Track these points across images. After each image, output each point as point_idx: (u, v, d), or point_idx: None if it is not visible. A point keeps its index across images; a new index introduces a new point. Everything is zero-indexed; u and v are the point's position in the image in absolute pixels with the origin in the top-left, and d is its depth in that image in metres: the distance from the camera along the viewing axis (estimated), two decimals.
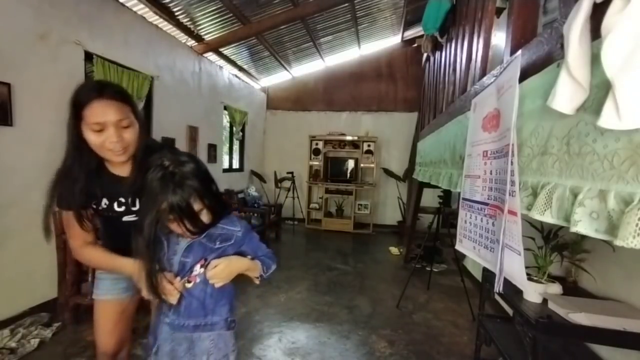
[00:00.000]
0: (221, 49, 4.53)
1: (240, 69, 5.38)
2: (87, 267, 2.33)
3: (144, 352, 1.17)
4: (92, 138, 1.00)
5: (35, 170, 2.30)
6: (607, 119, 0.52)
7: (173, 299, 0.96)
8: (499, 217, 0.91)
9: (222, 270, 0.98)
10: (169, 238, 1.00)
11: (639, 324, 1.19)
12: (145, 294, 0.96)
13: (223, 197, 1.06)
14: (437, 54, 2.84)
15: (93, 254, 1.14)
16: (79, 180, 1.03)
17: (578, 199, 0.62)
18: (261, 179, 6.03)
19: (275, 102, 6.49)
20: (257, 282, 1.09)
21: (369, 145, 5.85)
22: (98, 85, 1.02)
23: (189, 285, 0.98)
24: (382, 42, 5.85)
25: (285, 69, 5.89)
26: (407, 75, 5.92)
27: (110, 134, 0.99)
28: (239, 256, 1.04)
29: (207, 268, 0.98)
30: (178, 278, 0.98)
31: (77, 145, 1.03)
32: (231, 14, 3.81)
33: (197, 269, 0.99)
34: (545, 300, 1.41)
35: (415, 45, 5.57)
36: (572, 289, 1.57)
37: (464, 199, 1.27)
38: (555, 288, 1.47)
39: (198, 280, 0.99)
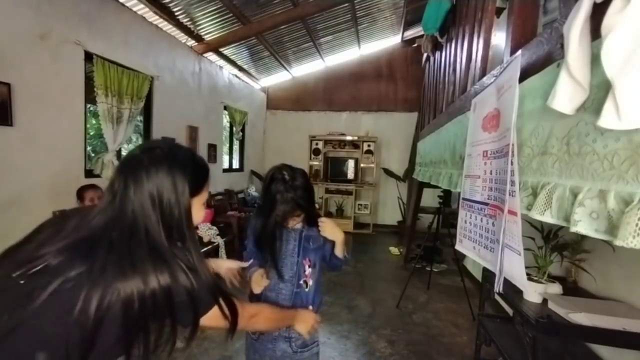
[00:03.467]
0: (221, 49, 4.53)
1: (240, 69, 5.38)
2: None
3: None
4: None
5: (35, 170, 2.30)
6: (607, 119, 0.52)
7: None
8: (499, 217, 0.91)
9: (330, 223, 1.11)
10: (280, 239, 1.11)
11: (639, 324, 1.19)
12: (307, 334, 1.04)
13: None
14: (437, 54, 2.84)
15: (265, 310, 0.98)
16: None
17: (578, 199, 0.62)
18: (261, 179, 6.02)
19: (275, 102, 6.49)
20: (341, 257, 1.16)
21: (369, 145, 5.85)
22: None
23: (307, 290, 1.12)
24: (382, 42, 5.85)
25: (285, 69, 5.89)
26: (407, 75, 5.92)
27: None
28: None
29: (320, 225, 1.10)
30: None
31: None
32: (231, 14, 3.81)
33: (307, 269, 1.11)
34: (545, 300, 1.41)
35: (415, 45, 5.57)
36: (572, 289, 1.57)
37: (464, 199, 1.27)
38: (555, 288, 1.47)
39: (311, 282, 1.12)
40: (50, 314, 0.56)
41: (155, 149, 0.70)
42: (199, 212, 0.76)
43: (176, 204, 0.68)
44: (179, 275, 0.64)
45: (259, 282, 1.06)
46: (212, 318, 0.70)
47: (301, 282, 1.11)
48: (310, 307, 1.12)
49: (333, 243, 1.14)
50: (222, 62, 4.91)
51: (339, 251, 1.14)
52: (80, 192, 2.44)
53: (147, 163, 0.67)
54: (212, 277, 0.70)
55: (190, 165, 0.72)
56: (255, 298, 1.11)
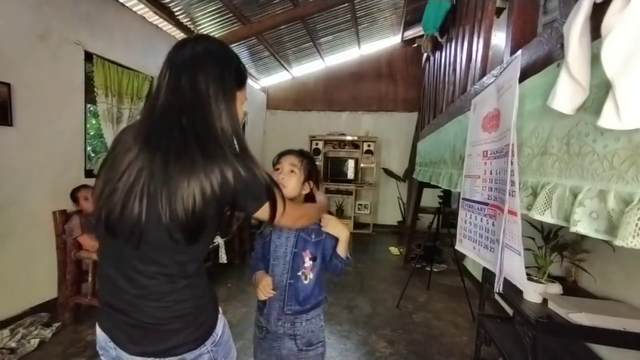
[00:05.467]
0: None
1: None
2: (87, 267, 2.34)
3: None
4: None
5: (35, 170, 2.30)
6: (607, 119, 0.52)
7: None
8: (499, 217, 0.91)
9: (334, 219, 1.11)
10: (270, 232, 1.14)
11: (639, 324, 1.19)
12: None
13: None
14: (437, 54, 2.84)
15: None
16: None
17: (578, 199, 0.62)
18: None
19: (275, 102, 6.49)
20: (343, 256, 1.15)
21: (369, 145, 5.84)
22: None
23: (306, 282, 1.11)
24: (382, 42, 5.85)
25: (285, 69, 5.89)
26: (407, 75, 5.92)
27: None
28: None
29: (322, 220, 1.10)
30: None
31: None
32: (231, 14, 3.81)
33: (307, 262, 1.10)
34: (545, 300, 1.41)
35: (415, 45, 5.57)
36: (572, 289, 1.57)
37: (464, 199, 1.27)
38: (555, 288, 1.47)
39: (311, 275, 1.11)
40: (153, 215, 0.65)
41: (202, 41, 0.75)
42: (240, 110, 0.80)
43: (224, 95, 0.72)
44: (239, 169, 0.69)
45: (265, 290, 1.05)
46: (263, 211, 0.77)
47: (299, 273, 1.10)
48: (308, 306, 1.13)
49: (336, 241, 1.13)
50: None
51: (341, 249, 1.12)
52: (74, 194, 2.45)
53: (198, 54, 0.71)
54: (265, 174, 0.76)
55: (236, 59, 0.78)
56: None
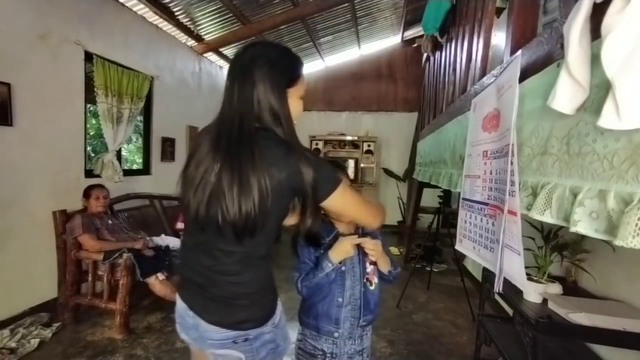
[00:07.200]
0: (221, 49, 4.53)
1: None
2: (87, 267, 2.34)
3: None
4: None
5: (35, 170, 2.30)
6: (607, 119, 0.52)
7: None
8: (499, 217, 0.91)
9: (379, 245, 1.04)
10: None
11: (639, 324, 1.19)
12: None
13: None
14: (437, 54, 2.84)
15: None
16: None
17: (578, 199, 0.62)
18: None
19: None
20: (385, 272, 1.11)
21: (369, 145, 5.84)
22: None
23: (372, 288, 1.08)
24: (382, 42, 5.84)
25: None
26: (407, 75, 5.91)
27: None
28: None
29: (366, 244, 1.03)
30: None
31: None
32: (231, 14, 3.81)
33: (369, 266, 1.07)
34: (545, 300, 1.41)
35: (415, 45, 5.57)
36: (572, 289, 1.56)
37: (464, 199, 1.27)
38: (555, 288, 1.47)
39: (375, 279, 1.08)
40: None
41: (250, 48, 0.83)
42: (297, 103, 0.90)
43: (273, 96, 0.80)
44: (306, 164, 0.76)
45: (352, 240, 1.00)
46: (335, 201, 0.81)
47: (365, 280, 1.07)
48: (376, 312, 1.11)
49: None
50: (222, 62, 4.91)
51: (382, 268, 1.09)
52: (88, 190, 2.47)
53: (246, 61, 0.80)
54: (330, 164, 0.84)
55: (284, 59, 0.84)
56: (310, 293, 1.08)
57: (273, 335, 0.86)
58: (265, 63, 0.80)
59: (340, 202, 0.82)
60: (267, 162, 0.74)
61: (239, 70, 0.80)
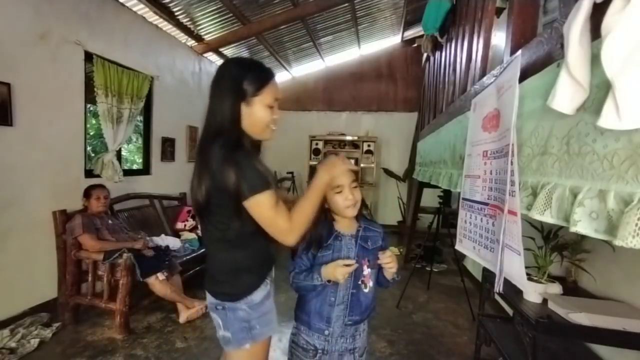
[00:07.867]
0: (221, 49, 4.53)
1: None
2: (87, 267, 2.34)
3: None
4: None
5: (35, 170, 2.30)
6: (607, 119, 0.52)
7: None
8: (499, 217, 0.91)
9: (393, 257, 1.07)
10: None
11: (639, 324, 1.19)
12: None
13: None
14: (437, 54, 2.84)
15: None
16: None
17: (578, 199, 0.62)
18: None
19: None
20: (394, 277, 1.13)
21: (369, 145, 5.84)
22: None
23: (366, 290, 1.09)
24: (382, 42, 5.84)
25: (285, 69, 5.88)
26: (407, 75, 5.91)
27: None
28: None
29: (382, 257, 1.06)
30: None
31: None
32: (231, 14, 3.81)
33: (366, 269, 1.07)
34: (545, 300, 1.41)
35: (415, 45, 5.57)
36: (572, 289, 1.57)
37: (464, 199, 1.27)
38: (555, 288, 1.47)
39: (371, 283, 1.09)
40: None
41: (221, 66, 1.03)
42: (261, 111, 0.98)
43: (226, 108, 0.96)
44: (235, 172, 0.90)
45: (344, 269, 0.99)
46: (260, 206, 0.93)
47: (359, 282, 1.07)
48: (366, 315, 1.11)
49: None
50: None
51: (388, 275, 1.11)
52: (89, 190, 2.47)
53: (215, 78, 1.00)
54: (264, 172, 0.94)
55: (246, 73, 0.97)
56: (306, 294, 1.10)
57: (247, 314, 1.01)
58: (228, 79, 0.97)
59: (255, 210, 0.92)
60: (210, 164, 0.92)
61: (211, 86, 1.00)
